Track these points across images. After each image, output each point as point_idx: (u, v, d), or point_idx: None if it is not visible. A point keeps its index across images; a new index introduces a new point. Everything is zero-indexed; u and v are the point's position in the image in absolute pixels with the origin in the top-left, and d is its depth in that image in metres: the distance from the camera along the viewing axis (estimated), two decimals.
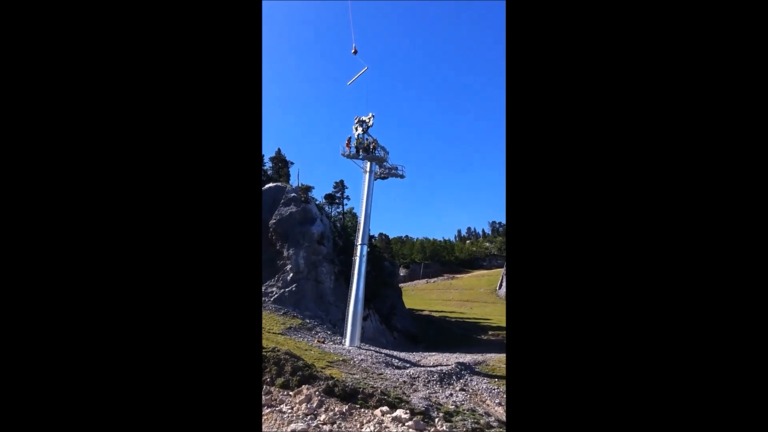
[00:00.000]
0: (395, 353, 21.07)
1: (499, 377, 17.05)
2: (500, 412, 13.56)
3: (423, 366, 18.04)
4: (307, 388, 10.98)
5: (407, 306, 39.26)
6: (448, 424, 9.89)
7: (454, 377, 16.19)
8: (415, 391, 13.63)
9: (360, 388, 11.40)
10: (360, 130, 23.49)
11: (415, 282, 79.04)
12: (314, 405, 10.31)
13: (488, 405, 14.13)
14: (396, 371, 16.05)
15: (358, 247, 22.43)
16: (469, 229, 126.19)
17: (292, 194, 31.34)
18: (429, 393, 13.73)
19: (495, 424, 10.94)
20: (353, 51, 23.47)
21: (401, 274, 71.18)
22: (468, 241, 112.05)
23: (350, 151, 23.57)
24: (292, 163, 39.52)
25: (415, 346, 28.27)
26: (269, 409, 9.87)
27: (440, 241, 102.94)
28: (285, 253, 28.33)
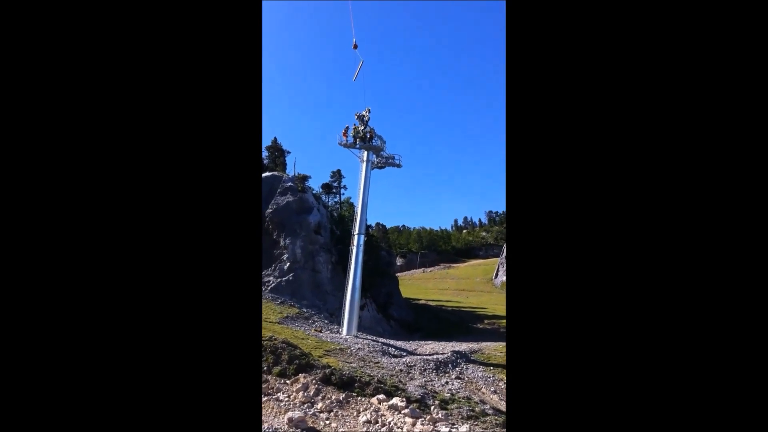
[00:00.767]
0: (392, 342, 21.23)
1: (495, 365, 17.24)
2: (495, 399, 13.73)
3: (419, 354, 18.19)
4: (304, 377, 11.06)
5: (404, 295, 39.48)
6: (444, 411, 9.99)
7: (449, 365, 16.35)
8: (411, 379, 13.76)
9: (357, 376, 11.49)
10: (361, 125, 23.44)
11: (412, 271, 79.48)
12: (311, 393, 10.39)
13: (484, 393, 14.29)
14: (392, 360, 16.19)
15: (355, 237, 22.44)
16: (465, 218, 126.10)
17: (289, 184, 31.18)
18: (425, 381, 13.87)
19: (490, 411, 11.07)
20: (353, 46, 23.18)
21: (398, 264, 71.39)
22: (464, 231, 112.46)
23: (347, 141, 23.44)
24: (288, 152, 39.10)
25: (411, 335, 28.48)
26: (266, 398, 9.94)
27: (437, 230, 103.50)
28: (282, 243, 28.30)
